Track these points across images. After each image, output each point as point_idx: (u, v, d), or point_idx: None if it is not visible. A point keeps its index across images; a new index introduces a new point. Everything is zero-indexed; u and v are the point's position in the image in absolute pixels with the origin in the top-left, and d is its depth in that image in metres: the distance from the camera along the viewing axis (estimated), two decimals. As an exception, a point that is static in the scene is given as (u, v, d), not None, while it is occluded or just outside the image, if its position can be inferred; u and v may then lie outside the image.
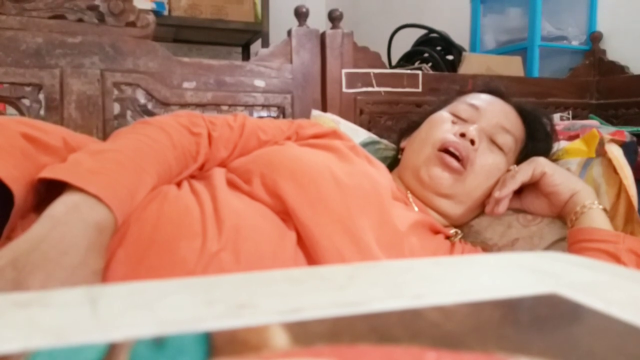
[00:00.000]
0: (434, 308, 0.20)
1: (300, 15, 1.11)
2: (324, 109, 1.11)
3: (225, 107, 1.03)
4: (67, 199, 0.47)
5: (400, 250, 0.64)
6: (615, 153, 0.77)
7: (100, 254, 0.47)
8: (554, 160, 0.84)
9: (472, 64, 1.34)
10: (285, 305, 0.20)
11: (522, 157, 0.81)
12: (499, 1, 1.70)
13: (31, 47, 0.88)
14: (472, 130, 0.76)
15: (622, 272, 0.27)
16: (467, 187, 0.77)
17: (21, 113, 0.88)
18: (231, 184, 0.63)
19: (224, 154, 0.70)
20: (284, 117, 1.08)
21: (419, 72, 1.21)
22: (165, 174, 0.59)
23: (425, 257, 0.66)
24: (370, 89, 1.15)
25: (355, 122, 1.09)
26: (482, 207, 0.81)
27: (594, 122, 1.13)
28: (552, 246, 0.76)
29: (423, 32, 1.54)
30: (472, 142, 0.76)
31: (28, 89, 0.88)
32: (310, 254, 0.57)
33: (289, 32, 1.10)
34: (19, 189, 0.48)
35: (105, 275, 0.48)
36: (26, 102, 0.88)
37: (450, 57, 1.45)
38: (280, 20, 2.27)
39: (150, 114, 0.95)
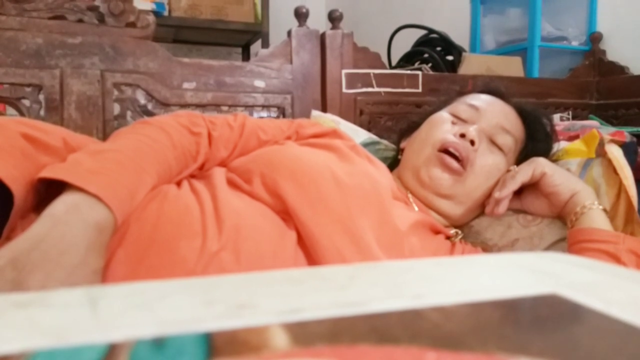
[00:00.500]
0: (434, 308, 0.20)
1: (300, 15, 1.11)
2: (324, 109, 1.11)
3: (225, 108, 1.03)
4: (67, 199, 0.47)
5: (400, 250, 0.64)
6: (615, 153, 0.77)
7: (100, 253, 0.47)
8: (554, 161, 0.84)
9: (472, 65, 1.34)
10: (285, 305, 0.20)
11: (522, 157, 0.81)
12: (498, 1, 1.70)
13: (31, 47, 0.88)
14: (472, 131, 0.76)
15: (622, 273, 0.27)
16: (467, 187, 0.77)
17: (21, 113, 0.88)
18: (231, 184, 0.63)
19: (224, 153, 0.70)
20: (284, 117, 1.08)
21: (419, 72, 1.21)
22: (165, 174, 0.59)
23: (425, 257, 0.66)
24: (370, 89, 1.15)
25: (355, 123, 1.09)
26: (482, 208, 0.81)
27: (593, 123, 1.13)
28: (552, 246, 0.76)
29: (423, 32, 1.54)
30: (472, 142, 0.76)
31: (28, 89, 0.88)
32: (310, 253, 0.57)
33: (289, 33, 1.10)
34: (18, 189, 0.48)
35: (105, 274, 0.48)
36: (26, 102, 0.89)
37: (450, 58, 1.45)
38: (280, 21, 2.27)
39: (150, 114, 0.95)
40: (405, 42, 1.57)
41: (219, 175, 0.64)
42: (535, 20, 1.49)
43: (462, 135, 0.76)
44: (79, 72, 0.91)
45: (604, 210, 0.72)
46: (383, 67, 1.18)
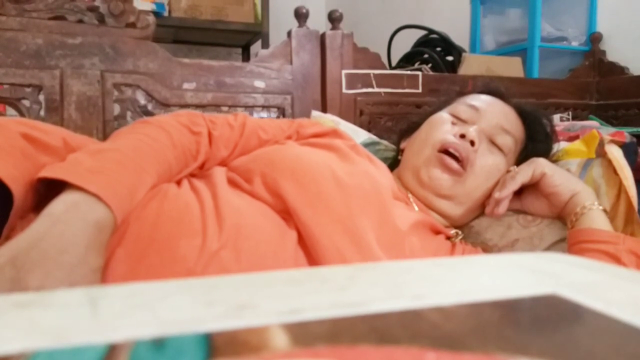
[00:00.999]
0: (434, 309, 0.20)
1: (300, 16, 1.11)
2: (324, 109, 1.11)
3: (225, 108, 1.03)
4: (66, 198, 0.47)
5: (401, 250, 0.64)
6: (615, 154, 0.77)
7: (100, 252, 0.47)
8: (554, 161, 0.84)
9: (472, 65, 1.34)
10: (285, 306, 0.20)
11: (522, 158, 0.82)
12: (498, 2, 1.70)
13: (31, 48, 0.88)
14: (472, 131, 0.76)
15: (622, 273, 0.27)
16: (467, 188, 0.77)
17: (21, 114, 0.88)
18: (232, 183, 0.63)
19: (225, 153, 0.70)
20: (284, 117, 1.08)
21: (419, 73, 1.21)
22: (165, 173, 0.60)
23: (426, 258, 0.66)
24: (370, 89, 1.15)
25: (355, 123, 1.09)
26: (482, 208, 0.81)
27: (593, 123, 1.13)
28: (552, 247, 0.76)
29: (423, 33, 1.54)
30: (472, 143, 0.76)
31: (28, 89, 0.88)
32: (310, 253, 0.57)
33: (289, 33, 1.10)
34: (18, 189, 0.48)
35: (105, 274, 0.48)
36: (26, 103, 0.89)
37: (450, 58, 1.45)
38: (280, 21, 2.27)
39: (150, 114, 0.95)
40: (405, 43, 1.57)
41: (220, 174, 0.64)
42: (535, 20, 1.49)
43: (462, 136, 0.76)
44: (79, 73, 0.91)
45: (604, 210, 0.72)
46: (383, 67, 1.19)
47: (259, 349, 0.16)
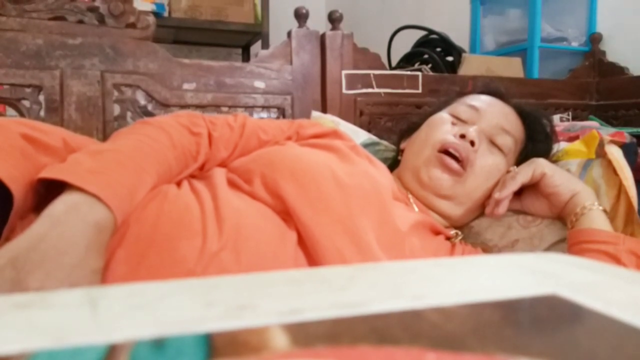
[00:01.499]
0: (434, 309, 0.20)
1: (300, 16, 1.11)
2: (324, 110, 1.11)
3: (225, 109, 1.03)
4: (66, 199, 0.47)
5: (401, 251, 0.64)
6: (615, 154, 0.77)
7: (100, 253, 0.47)
8: (554, 162, 0.84)
9: (472, 65, 1.34)
10: (285, 306, 0.20)
11: (522, 158, 0.82)
12: (498, 2, 1.70)
13: (31, 48, 0.88)
14: (472, 132, 0.76)
15: (622, 273, 0.27)
16: (467, 188, 0.77)
17: (21, 114, 0.88)
18: (232, 184, 0.63)
19: (225, 154, 0.69)
20: (284, 118, 1.08)
21: (419, 73, 1.21)
22: (165, 174, 0.59)
23: (426, 258, 0.66)
24: (370, 90, 1.15)
25: (355, 124, 1.09)
26: (482, 208, 0.81)
27: (593, 123, 1.13)
28: (552, 247, 0.76)
29: (423, 33, 1.54)
30: (472, 143, 0.76)
31: (28, 90, 0.88)
32: (310, 253, 0.57)
33: (289, 34, 1.10)
34: (18, 189, 0.48)
35: (105, 274, 0.48)
36: (26, 103, 0.89)
37: (450, 58, 1.45)
38: (280, 22, 2.27)
39: (150, 115, 0.95)
40: (405, 43, 1.57)
41: (220, 175, 0.64)
42: (535, 21, 1.49)
43: (462, 136, 0.76)
44: (79, 73, 0.91)
45: (604, 211, 0.72)
46: (383, 67, 1.19)
47: (259, 349, 0.16)
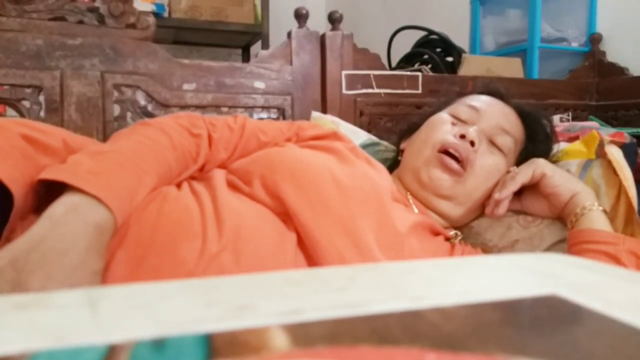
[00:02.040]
0: (434, 309, 0.20)
1: (300, 16, 1.11)
2: (324, 110, 1.11)
3: (225, 109, 1.03)
4: (67, 200, 0.47)
5: (400, 252, 0.64)
6: (615, 154, 0.77)
7: (100, 254, 0.47)
8: (554, 162, 0.84)
9: (471, 66, 1.34)
10: (285, 306, 0.20)
11: (522, 158, 0.82)
12: (498, 3, 1.70)
13: (31, 48, 0.88)
14: (471, 132, 0.76)
15: (622, 274, 0.27)
16: (467, 188, 0.77)
17: (21, 115, 0.88)
18: (231, 185, 0.63)
19: (224, 155, 0.69)
20: (283, 118, 1.08)
21: (419, 73, 1.21)
22: (165, 175, 0.59)
23: (425, 259, 0.66)
24: (370, 90, 1.15)
25: (355, 124, 1.09)
26: (482, 209, 0.81)
27: (593, 124, 1.13)
28: (552, 247, 0.76)
29: (423, 33, 1.54)
30: (472, 143, 0.76)
31: (28, 90, 0.88)
32: (310, 255, 0.57)
33: (289, 34, 1.10)
34: (18, 190, 0.48)
35: (105, 276, 0.48)
36: (26, 103, 0.89)
37: (450, 59, 1.45)
38: (280, 22, 2.27)
39: (150, 115, 0.95)
40: (405, 43, 1.57)
41: (219, 176, 0.64)
42: (535, 21, 1.49)
43: (462, 136, 0.76)
44: (79, 74, 0.91)
45: (604, 211, 0.72)
46: (383, 68, 1.19)
47: (259, 349, 0.16)
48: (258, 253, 0.53)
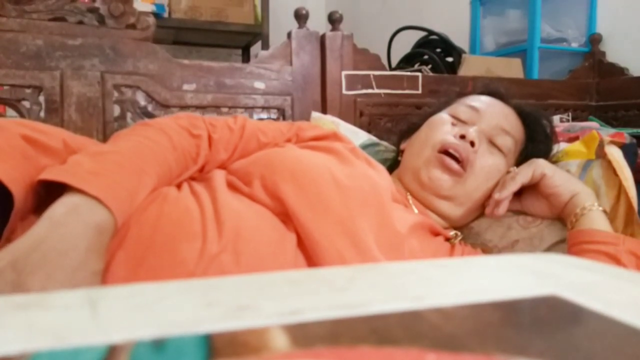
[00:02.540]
0: (434, 310, 0.20)
1: (300, 17, 1.11)
2: (324, 110, 1.11)
3: (225, 109, 1.03)
4: (67, 201, 0.47)
5: (400, 252, 0.64)
6: (615, 155, 0.77)
7: (100, 255, 0.47)
8: (554, 162, 0.84)
9: (471, 66, 1.34)
10: (285, 307, 0.20)
11: (522, 158, 0.82)
12: (498, 3, 1.70)
13: (31, 49, 0.88)
14: (471, 132, 0.76)
15: (622, 274, 0.27)
16: (467, 188, 0.77)
17: (21, 115, 0.88)
18: (231, 186, 0.63)
19: (224, 155, 0.69)
20: (283, 119, 1.08)
21: (419, 74, 1.21)
22: (165, 176, 0.59)
23: (425, 259, 0.66)
24: (370, 90, 1.15)
25: (355, 124, 1.09)
26: (482, 209, 0.81)
27: (593, 124, 1.13)
28: (552, 248, 0.76)
29: (423, 34, 1.55)
30: (472, 143, 0.76)
31: (28, 91, 0.88)
32: (310, 255, 0.57)
33: (289, 34, 1.10)
34: (18, 191, 0.48)
35: (105, 276, 0.48)
36: (26, 104, 0.89)
37: (450, 59, 1.45)
38: (280, 22, 2.27)
39: (150, 115, 0.95)
40: (405, 44, 1.57)
41: (219, 177, 0.64)
42: (534, 21, 1.49)
43: (462, 137, 0.76)
44: (79, 74, 0.91)
45: (604, 211, 0.72)
46: (383, 68, 1.19)
47: (259, 350, 0.16)
48: (258, 253, 0.53)
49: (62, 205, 0.47)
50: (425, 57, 1.45)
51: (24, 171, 0.49)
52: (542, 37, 1.51)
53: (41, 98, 0.89)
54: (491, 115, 0.81)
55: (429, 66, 1.39)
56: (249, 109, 1.05)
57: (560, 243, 0.76)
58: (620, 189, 0.77)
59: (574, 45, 1.57)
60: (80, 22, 0.92)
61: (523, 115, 0.85)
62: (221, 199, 0.57)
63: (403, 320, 0.19)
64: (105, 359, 0.15)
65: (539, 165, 0.76)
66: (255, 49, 2.55)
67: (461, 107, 0.83)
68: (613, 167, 0.76)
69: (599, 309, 0.21)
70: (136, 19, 0.95)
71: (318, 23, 1.51)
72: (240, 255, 0.52)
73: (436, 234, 0.76)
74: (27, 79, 0.88)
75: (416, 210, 0.77)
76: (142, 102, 0.96)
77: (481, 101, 0.84)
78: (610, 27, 1.52)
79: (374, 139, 1.03)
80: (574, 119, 1.35)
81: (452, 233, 0.79)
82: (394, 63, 1.57)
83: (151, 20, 0.97)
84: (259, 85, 1.06)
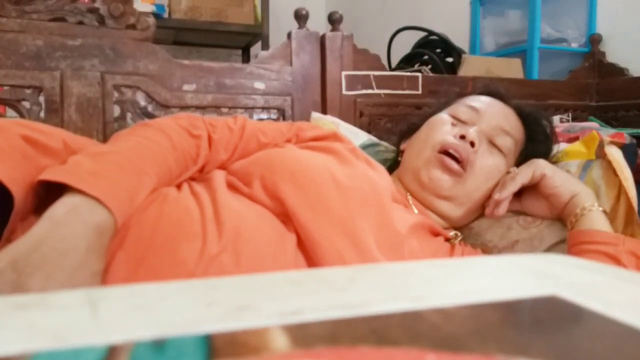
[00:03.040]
0: (434, 310, 0.20)
1: (300, 17, 1.11)
2: (324, 111, 1.11)
3: (225, 110, 1.03)
4: (67, 201, 0.47)
5: (400, 253, 0.64)
6: (615, 155, 0.77)
7: (100, 255, 0.47)
8: (554, 162, 0.84)
9: (471, 66, 1.34)
10: (285, 307, 0.20)
11: (522, 159, 0.82)
12: (498, 3, 1.70)
13: (31, 49, 0.88)
14: (471, 132, 0.76)
15: (622, 274, 0.27)
16: (467, 189, 0.77)
17: (21, 115, 0.88)
18: (231, 186, 0.63)
19: (224, 156, 0.69)
20: (283, 119, 1.08)
21: (419, 74, 1.21)
22: (165, 176, 0.59)
23: (425, 259, 0.66)
24: (370, 91, 1.15)
25: (355, 125, 1.09)
26: (482, 209, 0.81)
27: (593, 124, 1.13)
28: (552, 248, 0.76)
29: (423, 34, 1.55)
30: (472, 144, 0.76)
31: (28, 91, 0.88)
32: (310, 256, 0.57)
33: (289, 35, 1.10)
34: (18, 191, 0.48)
35: (105, 277, 0.48)
36: (26, 104, 0.89)
37: (450, 59, 1.45)
38: (280, 23, 2.27)
39: (150, 116, 0.95)
40: (405, 44, 1.57)
41: (219, 178, 0.64)
42: (534, 22, 1.49)
43: (462, 137, 0.76)
44: (79, 74, 0.91)
45: (604, 211, 0.72)
46: (383, 68, 1.19)
47: (259, 350, 0.16)
48: (258, 254, 0.53)
49: (62, 206, 0.47)
50: (425, 57, 1.45)
51: (24, 171, 0.49)
52: (542, 38, 1.51)
53: (41, 98, 0.89)
54: (491, 116, 0.81)
55: (429, 66, 1.39)
56: (249, 109, 1.05)
57: (560, 243, 0.76)
58: (620, 189, 0.77)
59: (574, 45, 1.57)
60: (80, 23, 0.92)
61: (523, 115, 0.85)
62: (221, 200, 0.57)
63: (403, 320, 0.19)
64: (105, 359, 0.15)
65: (539, 166, 0.76)
66: (255, 49, 2.55)
67: (461, 108, 0.83)
68: (613, 167, 0.76)
69: (599, 309, 0.21)
70: (136, 19, 0.95)
71: (318, 23, 1.51)
72: (240, 255, 0.52)
73: (436, 234, 0.76)
74: (27, 79, 0.87)
75: (416, 211, 0.77)
76: (142, 103, 0.96)
77: (481, 101, 0.84)
78: (610, 27, 1.52)
79: (374, 139, 1.03)
80: (574, 120, 1.35)
81: (452, 233, 0.79)
82: (394, 63, 1.57)
83: (151, 20, 0.97)
84: (259, 85, 1.06)
